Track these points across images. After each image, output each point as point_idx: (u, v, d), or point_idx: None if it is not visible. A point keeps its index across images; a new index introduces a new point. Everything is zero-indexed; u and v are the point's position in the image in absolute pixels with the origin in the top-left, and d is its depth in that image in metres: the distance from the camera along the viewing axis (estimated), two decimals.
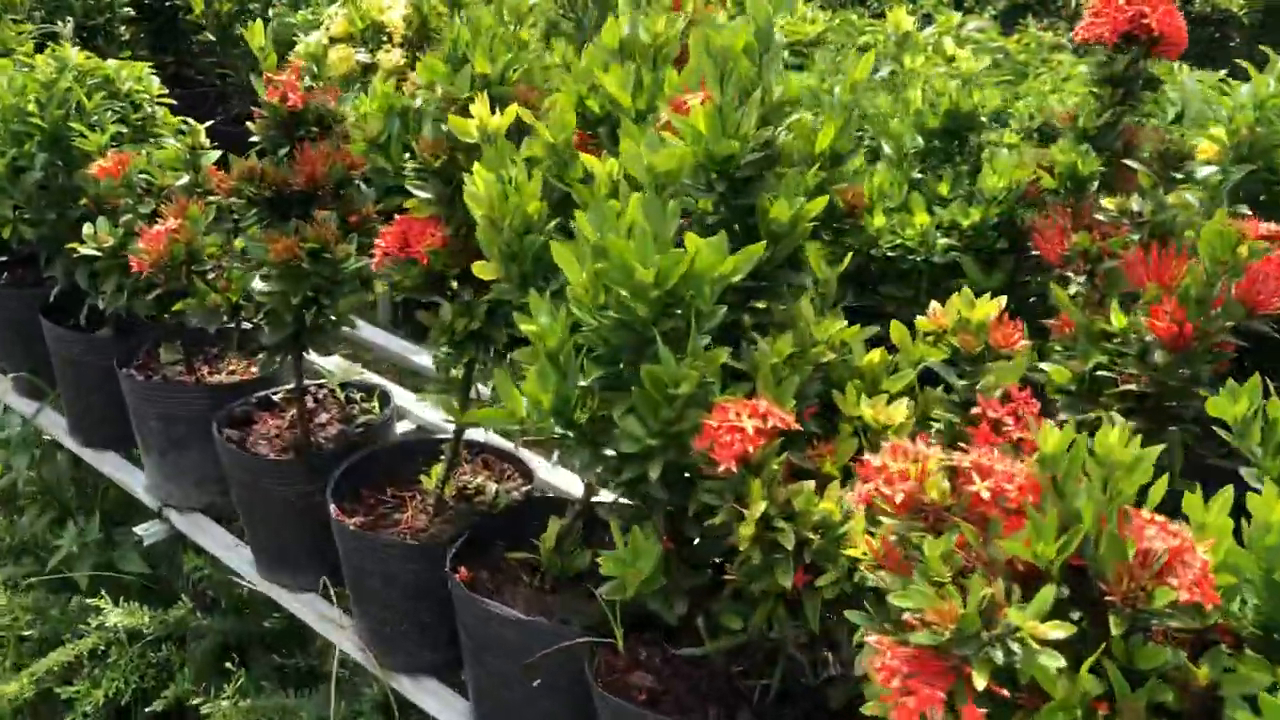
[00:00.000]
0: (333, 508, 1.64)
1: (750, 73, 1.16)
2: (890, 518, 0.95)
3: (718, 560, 1.26)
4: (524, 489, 1.74)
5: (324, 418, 1.97)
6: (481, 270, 1.30)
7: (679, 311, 1.10)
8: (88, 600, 2.05)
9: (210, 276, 1.71)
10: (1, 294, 2.36)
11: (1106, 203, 1.46)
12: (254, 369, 2.15)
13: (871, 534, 0.96)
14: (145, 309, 1.89)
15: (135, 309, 1.89)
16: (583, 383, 1.18)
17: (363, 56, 2.81)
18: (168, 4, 3.38)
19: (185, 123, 2.08)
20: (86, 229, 1.84)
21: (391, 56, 2.73)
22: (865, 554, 1.03)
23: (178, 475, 2.01)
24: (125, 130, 2.18)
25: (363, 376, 2.16)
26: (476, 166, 1.31)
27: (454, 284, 1.56)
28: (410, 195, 1.56)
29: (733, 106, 1.12)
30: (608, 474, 1.23)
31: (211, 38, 3.41)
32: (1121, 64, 1.66)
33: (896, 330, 1.26)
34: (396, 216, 1.60)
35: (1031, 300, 1.65)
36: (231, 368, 2.15)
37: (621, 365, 1.16)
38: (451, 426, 1.66)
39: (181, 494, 2.03)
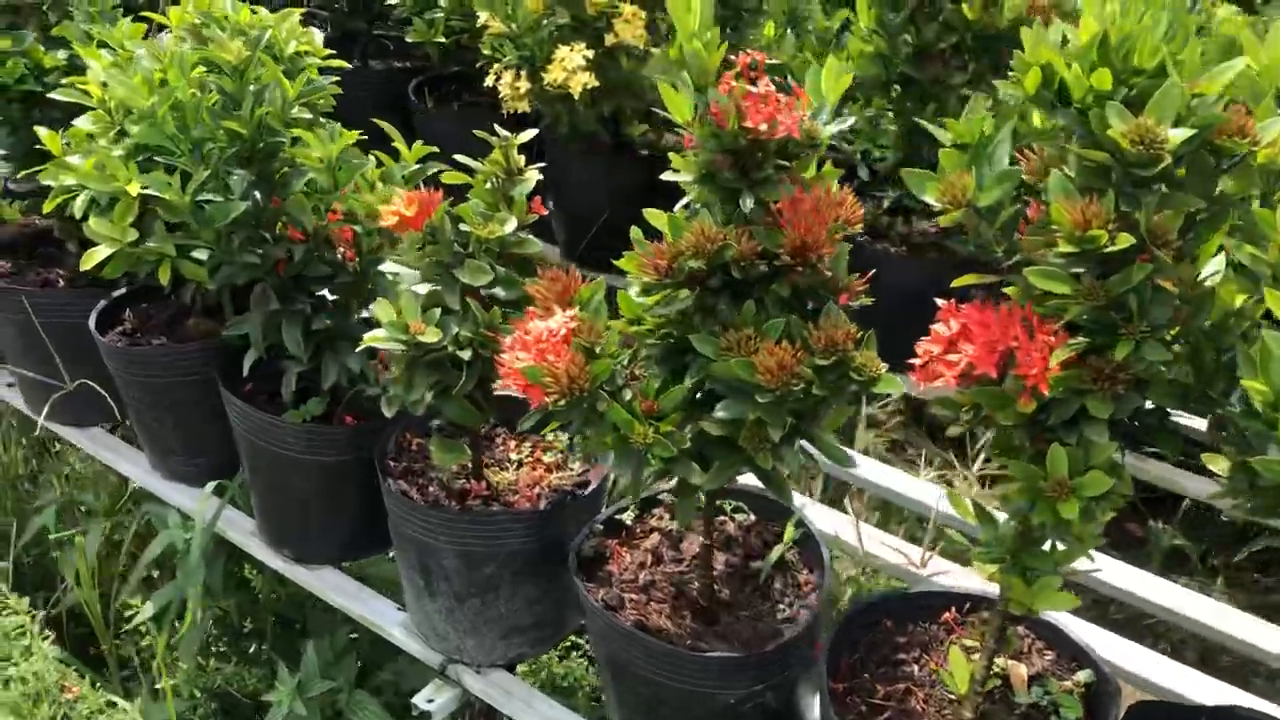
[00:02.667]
0: None
1: None
2: None
3: None
4: (1081, 678, 1.20)
5: (687, 542, 1.40)
6: None
7: None
8: None
9: (629, 397, 1.10)
10: (143, 352, 1.70)
11: None
12: (543, 456, 1.55)
13: None
14: (460, 416, 1.28)
15: (447, 415, 1.28)
16: None
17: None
18: None
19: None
20: (382, 309, 1.21)
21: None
22: None
23: (479, 627, 1.43)
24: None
25: None
26: None
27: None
28: None
29: None
30: None
31: None
32: None
33: None
34: (943, 304, 1.02)
35: None
36: (513, 454, 1.55)
37: None
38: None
39: (480, 647, 1.46)
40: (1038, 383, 0.96)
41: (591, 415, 1.09)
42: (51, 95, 1.51)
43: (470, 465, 1.46)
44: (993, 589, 1.33)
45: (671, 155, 1.10)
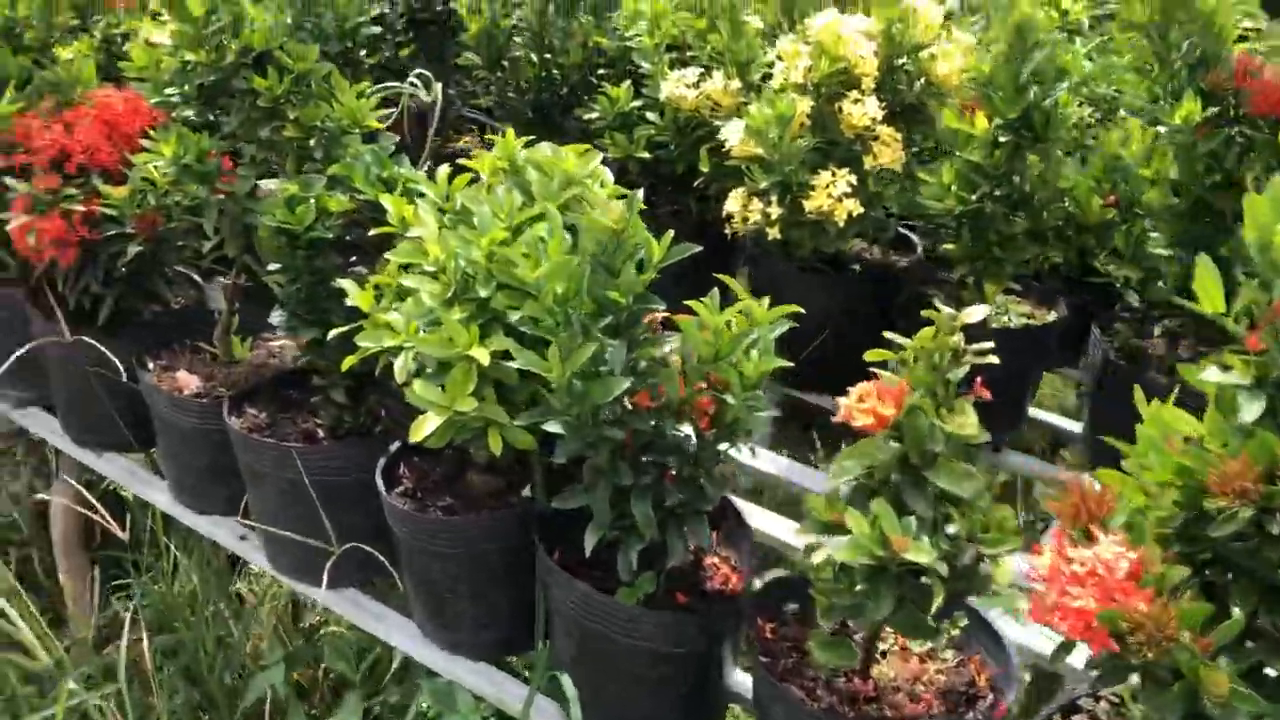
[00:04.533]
0: None
1: None
2: None
3: None
4: None
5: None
6: None
7: None
8: None
9: (1187, 638, 0.96)
10: (446, 522, 1.56)
11: None
12: (910, 644, 1.41)
13: None
14: (913, 631, 1.15)
15: (901, 630, 1.15)
16: None
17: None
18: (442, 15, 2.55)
19: None
20: (853, 520, 1.07)
21: (864, 109, 1.97)
22: None
23: None
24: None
25: None
26: None
27: None
28: None
29: None
30: None
31: (478, 60, 2.59)
32: None
33: None
34: None
35: None
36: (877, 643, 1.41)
37: None
38: None
39: None
40: None
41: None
42: (389, 255, 1.39)
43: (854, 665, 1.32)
44: None
45: (1227, 355, 0.98)
